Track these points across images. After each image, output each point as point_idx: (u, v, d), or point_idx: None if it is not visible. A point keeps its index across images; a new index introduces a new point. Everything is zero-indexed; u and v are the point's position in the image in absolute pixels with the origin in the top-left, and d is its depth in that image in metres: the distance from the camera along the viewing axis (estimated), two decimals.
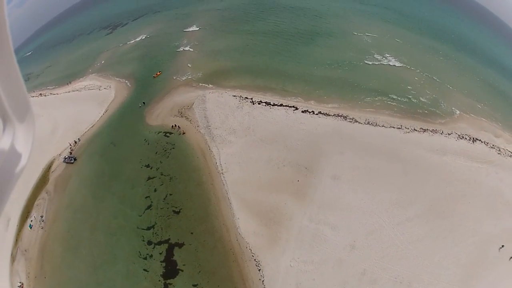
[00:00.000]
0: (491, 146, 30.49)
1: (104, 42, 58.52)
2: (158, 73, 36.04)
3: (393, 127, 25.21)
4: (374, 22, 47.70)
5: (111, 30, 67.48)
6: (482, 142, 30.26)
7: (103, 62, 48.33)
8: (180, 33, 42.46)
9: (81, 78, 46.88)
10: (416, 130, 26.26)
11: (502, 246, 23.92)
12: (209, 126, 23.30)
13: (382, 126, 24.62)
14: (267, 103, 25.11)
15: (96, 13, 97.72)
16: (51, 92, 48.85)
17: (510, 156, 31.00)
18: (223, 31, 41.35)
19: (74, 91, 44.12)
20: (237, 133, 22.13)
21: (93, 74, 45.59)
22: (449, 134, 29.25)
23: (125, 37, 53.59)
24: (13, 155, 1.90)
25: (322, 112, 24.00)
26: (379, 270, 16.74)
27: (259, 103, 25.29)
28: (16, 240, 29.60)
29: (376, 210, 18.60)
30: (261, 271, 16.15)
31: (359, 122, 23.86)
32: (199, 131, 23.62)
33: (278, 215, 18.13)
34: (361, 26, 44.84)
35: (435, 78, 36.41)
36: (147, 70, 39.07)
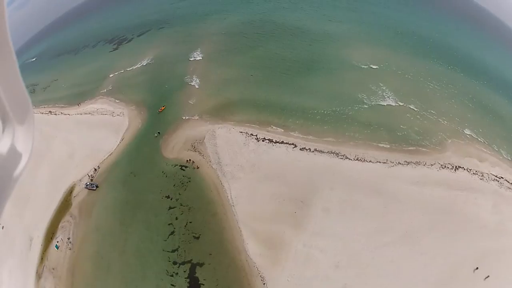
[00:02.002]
0: (474, 172, 36.90)
1: (110, 60, 65.51)
2: (163, 108, 42.16)
3: (379, 162, 32.57)
4: (371, 46, 55.49)
5: (116, 45, 74.84)
6: (464, 169, 36.84)
7: (111, 85, 55.35)
8: (185, 62, 49.98)
9: (91, 100, 53.79)
10: (400, 164, 33.75)
11: (477, 268, 29.85)
12: (220, 163, 30.93)
13: (369, 161, 32.07)
14: (270, 140, 32.84)
15: (99, 21, 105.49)
16: (62, 112, 55.79)
17: (494, 180, 36.39)
18: (226, 61, 48.81)
19: (86, 114, 51.35)
20: (244, 170, 29.70)
21: (103, 98, 52.71)
22: (431, 165, 36.34)
23: (131, 58, 61.06)
24: (13, 156, 2.30)
25: (317, 149, 31.72)
26: (357, 285, 23.92)
27: (263, 140, 33.02)
28: (42, 259, 36.99)
29: (358, 237, 25.91)
30: (265, 285, 23.39)
31: (349, 159, 31.45)
32: (212, 167, 31.21)
33: (279, 241, 25.54)
34: (358, 52, 52.32)
35: (427, 111, 41.34)
36: (156, 99, 45.98)
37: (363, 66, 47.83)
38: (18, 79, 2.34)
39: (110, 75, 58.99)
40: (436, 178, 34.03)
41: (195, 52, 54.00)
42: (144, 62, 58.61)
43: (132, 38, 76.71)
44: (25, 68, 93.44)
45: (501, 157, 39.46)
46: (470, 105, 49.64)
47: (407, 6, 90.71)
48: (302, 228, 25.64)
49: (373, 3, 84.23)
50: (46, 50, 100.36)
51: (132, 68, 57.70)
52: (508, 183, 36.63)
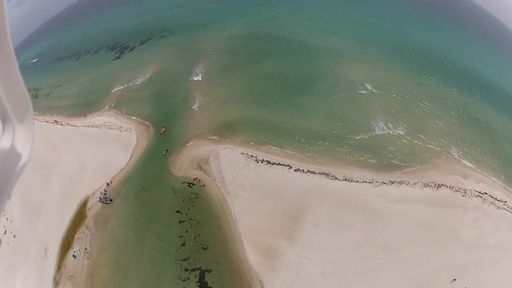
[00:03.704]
0: (456, 189, 42.15)
1: (113, 71, 71.75)
2: (163, 129, 48.36)
3: (365, 182, 39.49)
4: (366, 63, 61.24)
5: (118, 53, 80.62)
6: (447, 187, 43.28)
7: (116, 98, 60.40)
8: (186, 82, 56.25)
9: (97, 112, 58.92)
10: (384, 183, 40.73)
11: (454, 279, 33.61)
12: (224, 182, 38.02)
13: (356, 181, 39.05)
14: (268, 162, 39.95)
15: (100, 22, 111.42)
16: (68, 122, 60.90)
17: (477, 196, 40.32)
18: (225, 81, 54.85)
19: (93, 126, 57.22)
20: (245, 188, 36.77)
21: (110, 111, 57.79)
22: (414, 183, 42.93)
23: (134, 71, 66.12)
24: (13, 154, 2.46)
25: (310, 170, 38.92)
26: None
27: (262, 161, 40.13)
28: (59, 267, 43.98)
29: (342, 249, 32.91)
30: None
31: (338, 179, 38.52)
32: (216, 185, 38.25)
33: (275, 251, 32.60)
34: (353, 70, 57.68)
35: (417, 134, 46.20)
36: (161, 117, 51.82)
37: (357, 85, 54.33)
38: (18, 77, 2.50)
39: (114, 88, 65.36)
40: (417, 196, 40.53)
41: (195, 70, 60.14)
42: (147, 76, 65.01)
43: (134, 46, 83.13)
44: (26, 69, 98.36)
45: (486, 173, 43.62)
46: (459, 123, 55.73)
47: (405, 15, 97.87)
48: (294, 241, 32.73)
49: (372, 13, 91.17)
50: (47, 51, 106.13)
51: (136, 83, 63.97)
52: (492, 198, 41.89)
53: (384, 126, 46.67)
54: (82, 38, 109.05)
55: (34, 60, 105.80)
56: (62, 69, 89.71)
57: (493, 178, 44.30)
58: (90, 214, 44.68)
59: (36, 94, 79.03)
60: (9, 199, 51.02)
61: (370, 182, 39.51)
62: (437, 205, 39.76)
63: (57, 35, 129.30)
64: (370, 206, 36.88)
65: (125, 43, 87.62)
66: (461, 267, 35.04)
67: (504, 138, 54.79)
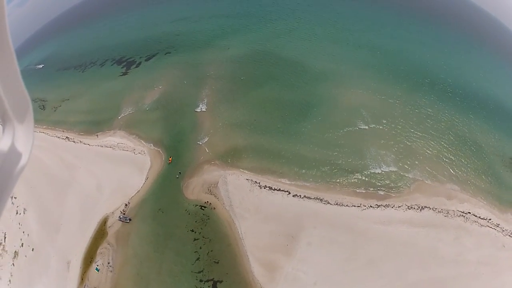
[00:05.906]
0: (439, 210, 50.11)
1: (120, 88, 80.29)
2: (170, 159, 57.66)
3: (354, 206, 49.94)
4: (365, 89, 73.18)
5: (124, 68, 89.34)
6: (430, 208, 51.95)
7: (126, 118, 69.37)
8: (193, 111, 66.23)
9: (109, 132, 67.74)
10: (371, 207, 51.23)
11: None
12: (232, 205, 48.58)
13: (346, 205, 49.46)
14: (270, 188, 50.67)
15: (104, 29, 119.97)
16: (80, 140, 69.39)
17: (459, 215, 46.90)
18: (229, 107, 64.31)
19: (107, 147, 65.34)
20: (250, 211, 47.28)
21: (121, 132, 66.52)
22: (399, 206, 52.70)
23: (141, 91, 75.36)
24: (13, 155, 2.65)
25: (306, 196, 49.60)
26: None
27: (264, 187, 50.76)
28: (82, 279, 54.17)
29: (332, 263, 43.20)
30: None
31: (330, 204, 49.07)
32: (225, 208, 48.71)
33: (275, 265, 42.98)
34: (351, 96, 69.18)
35: (407, 163, 52.71)
36: (171, 142, 60.93)
37: (354, 117, 64.53)
38: (18, 78, 2.73)
39: (124, 108, 74.07)
40: (401, 218, 49.41)
41: (201, 96, 69.92)
42: (155, 99, 73.79)
43: (140, 62, 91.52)
44: (32, 75, 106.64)
45: (471, 193, 50.36)
46: (448, 146, 63.86)
47: (404, 28, 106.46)
48: (291, 256, 42.93)
49: (371, 29, 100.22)
50: (52, 57, 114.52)
51: (144, 105, 72.52)
52: (475, 217, 47.67)
53: (376, 157, 56.52)
54: (87, 46, 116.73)
55: (40, 66, 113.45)
56: (68, 81, 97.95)
57: (479, 198, 50.96)
58: (111, 231, 54.72)
59: (44, 106, 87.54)
60: (24, 213, 62.61)
61: (359, 206, 49.92)
62: (419, 225, 47.47)
63: (60, 39, 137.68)
64: (357, 227, 47.35)
65: (131, 58, 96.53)
66: (439, 281, 42.23)
67: (494, 155, 61.30)
